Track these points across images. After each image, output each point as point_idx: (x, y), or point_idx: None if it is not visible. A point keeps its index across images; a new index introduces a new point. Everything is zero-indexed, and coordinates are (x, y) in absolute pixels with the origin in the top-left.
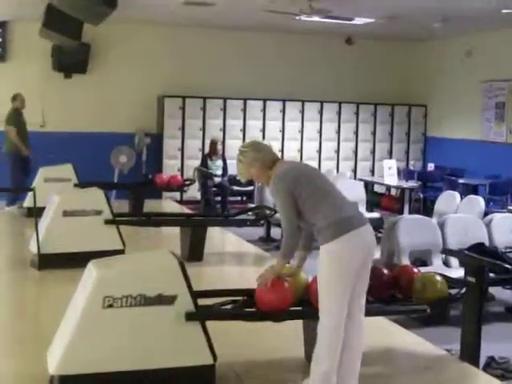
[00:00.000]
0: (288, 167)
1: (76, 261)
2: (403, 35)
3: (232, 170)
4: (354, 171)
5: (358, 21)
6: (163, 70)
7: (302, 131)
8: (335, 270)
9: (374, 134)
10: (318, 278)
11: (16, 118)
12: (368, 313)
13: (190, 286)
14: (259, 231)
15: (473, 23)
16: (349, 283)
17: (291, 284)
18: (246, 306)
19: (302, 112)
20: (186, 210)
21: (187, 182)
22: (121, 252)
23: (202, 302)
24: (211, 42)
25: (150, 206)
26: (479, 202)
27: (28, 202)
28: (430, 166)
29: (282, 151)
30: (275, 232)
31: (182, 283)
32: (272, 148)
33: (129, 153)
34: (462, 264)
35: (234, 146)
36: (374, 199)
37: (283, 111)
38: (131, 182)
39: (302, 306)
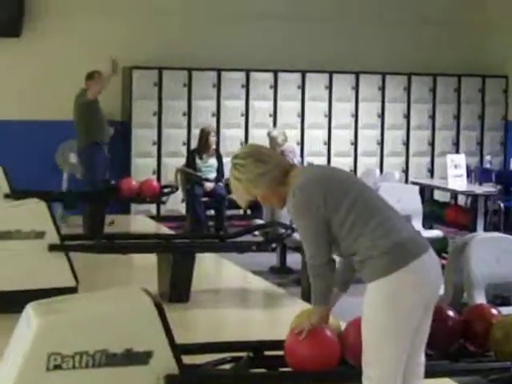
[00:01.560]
0: (312, 175)
1: (8, 304)
2: None
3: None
4: (406, 172)
5: None
6: (130, 31)
7: (329, 115)
8: (393, 314)
9: (432, 117)
10: (364, 325)
11: None
12: (428, 373)
13: (171, 338)
14: (270, 259)
15: None
16: (410, 332)
17: (334, 333)
18: (252, 365)
19: (330, 88)
20: (164, 229)
21: (166, 190)
22: (72, 290)
23: (188, 359)
24: None
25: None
26: None
27: None
28: None
29: (302, 145)
30: (293, 259)
31: (159, 334)
32: (282, 149)
33: None
34: None
35: (232, 137)
36: (435, 211)
37: (302, 87)
38: (86, 190)
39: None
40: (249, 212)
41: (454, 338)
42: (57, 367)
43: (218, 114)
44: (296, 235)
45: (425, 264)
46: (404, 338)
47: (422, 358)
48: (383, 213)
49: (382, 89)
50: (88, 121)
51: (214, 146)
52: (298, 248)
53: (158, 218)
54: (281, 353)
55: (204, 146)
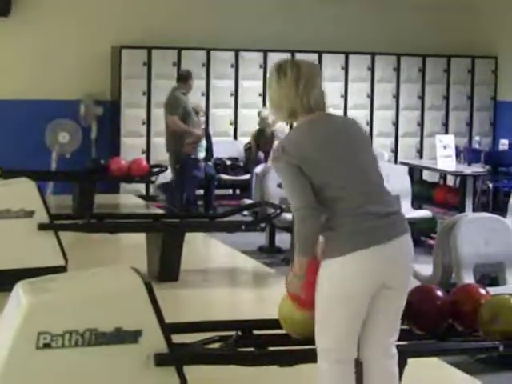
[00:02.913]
0: (298, 135)
1: None
2: None
3: (219, 151)
4: (395, 152)
5: None
6: (119, 9)
7: (345, 95)
8: (335, 292)
9: (421, 98)
10: (316, 293)
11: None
12: (416, 352)
13: (160, 317)
14: (259, 238)
15: None
16: (355, 309)
17: None
18: (241, 344)
19: (346, 68)
20: (154, 208)
21: (156, 170)
22: (62, 269)
23: (177, 338)
24: None
25: (102, 203)
26: None
27: None
28: (503, 144)
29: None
30: (281, 239)
31: (149, 313)
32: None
33: (72, 129)
34: None
35: (222, 117)
36: (424, 191)
37: None
38: (76, 169)
39: None
40: (238, 192)
41: (443, 317)
42: (46, 346)
43: (207, 94)
44: (285, 215)
45: (374, 255)
46: (347, 310)
47: (393, 351)
48: (355, 199)
49: (372, 69)
50: None
51: (203, 126)
52: (286, 228)
53: (147, 197)
54: (269, 332)
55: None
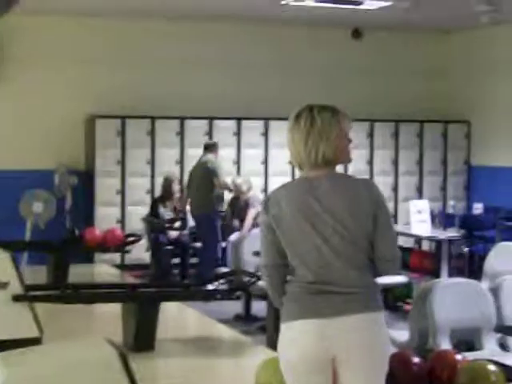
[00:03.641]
0: (281, 193)
1: None
2: (432, 24)
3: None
4: None
5: (369, 4)
6: (94, 80)
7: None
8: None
9: (395, 163)
10: None
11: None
12: None
13: None
14: (235, 307)
15: None
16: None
17: None
18: None
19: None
20: (129, 278)
21: (131, 239)
22: (37, 341)
23: None
24: (162, 38)
25: (77, 273)
26: None
27: None
28: (477, 208)
29: (266, 191)
30: (257, 307)
31: None
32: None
33: (46, 199)
34: None
35: None
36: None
37: (266, 135)
38: (50, 239)
39: None
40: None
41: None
42: None
43: (181, 162)
44: (260, 283)
45: (292, 330)
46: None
47: None
48: (305, 272)
49: None
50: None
51: (177, 195)
52: (262, 296)
53: (122, 266)
54: None
55: (168, 194)
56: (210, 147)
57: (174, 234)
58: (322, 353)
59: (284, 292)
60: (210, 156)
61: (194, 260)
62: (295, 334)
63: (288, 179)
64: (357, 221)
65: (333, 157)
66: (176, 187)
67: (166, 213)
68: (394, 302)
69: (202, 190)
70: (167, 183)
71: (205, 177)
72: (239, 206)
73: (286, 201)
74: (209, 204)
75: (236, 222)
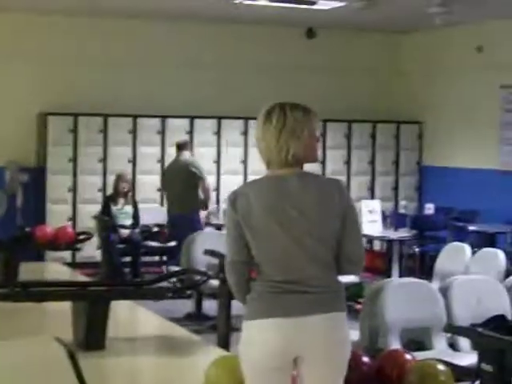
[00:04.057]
0: (249, 190)
1: None
2: (386, 24)
3: (146, 218)
4: None
5: (323, 4)
6: (47, 77)
7: (245, 161)
8: (243, 360)
9: (347, 163)
10: None
11: None
12: None
13: None
14: (186, 305)
15: (485, 7)
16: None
17: None
18: None
19: (245, 134)
20: (79, 276)
21: (82, 237)
22: None
23: None
24: (115, 36)
25: (26, 271)
26: (498, 257)
27: None
28: (429, 208)
29: (218, 190)
30: (209, 306)
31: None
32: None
33: None
34: (474, 346)
35: (149, 184)
36: None
37: (218, 133)
38: (0, 237)
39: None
40: (165, 258)
41: (368, 383)
42: None
43: (134, 161)
44: (212, 282)
45: (268, 327)
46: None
47: None
48: (272, 271)
49: None
50: None
51: (125, 191)
52: (213, 295)
53: (73, 264)
54: None
55: (119, 193)
56: (184, 146)
57: (125, 232)
58: (286, 351)
59: (249, 290)
60: (187, 155)
61: (145, 259)
62: (261, 332)
63: (240, 177)
64: (326, 220)
65: (303, 155)
66: (122, 185)
67: (118, 212)
68: (346, 301)
69: (185, 191)
70: (119, 182)
71: (189, 179)
72: None
73: (254, 198)
74: (191, 205)
75: None
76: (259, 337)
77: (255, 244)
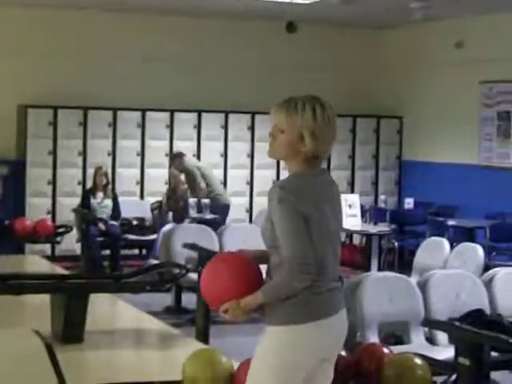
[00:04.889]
0: (305, 185)
1: None
2: (366, 20)
3: (125, 211)
4: None
5: None
6: (27, 69)
7: (225, 154)
8: (279, 365)
9: (327, 157)
10: (251, 366)
11: None
12: None
13: (61, 380)
14: (165, 299)
15: (464, 3)
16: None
17: None
18: None
19: (225, 127)
20: (59, 269)
21: (61, 230)
22: None
23: None
24: (96, 28)
25: (6, 264)
26: (477, 251)
27: None
28: (408, 203)
29: (225, 184)
30: (188, 300)
31: (49, 376)
32: None
33: None
34: (452, 340)
35: (128, 177)
36: None
37: (198, 127)
38: None
39: None
40: (144, 252)
41: (346, 376)
42: None
43: (113, 154)
44: (191, 275)
45: (325, 327)
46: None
47: None
48: (329, 270)
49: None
50: None
51: (104, 184)
52: (192, 288)
53: (52, 257)
54: None
55: (99, 186)
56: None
57: (104, 225)
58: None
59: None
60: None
61: (124, 252)
62: (321, 334)
63: (247, 172)
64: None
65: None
66: (99, 178)
67: (97, 205)
68: None
69: None
70: (98, 175)
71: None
72: (174, 199)
73: (314, 194)
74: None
75: (170, 214)
76: (317, 338)
77: (322, 243)
